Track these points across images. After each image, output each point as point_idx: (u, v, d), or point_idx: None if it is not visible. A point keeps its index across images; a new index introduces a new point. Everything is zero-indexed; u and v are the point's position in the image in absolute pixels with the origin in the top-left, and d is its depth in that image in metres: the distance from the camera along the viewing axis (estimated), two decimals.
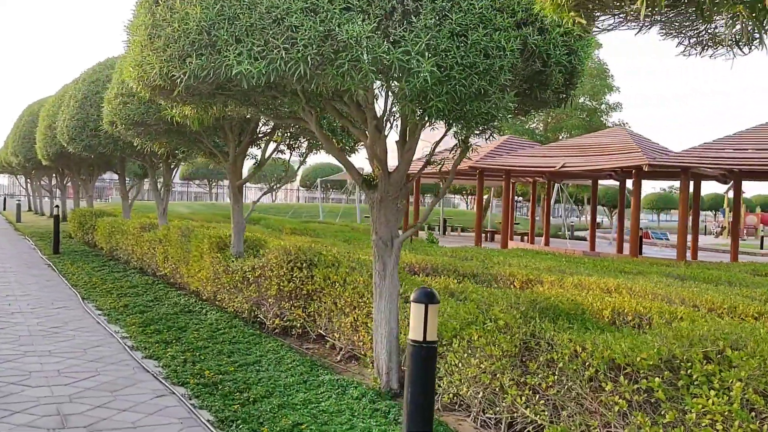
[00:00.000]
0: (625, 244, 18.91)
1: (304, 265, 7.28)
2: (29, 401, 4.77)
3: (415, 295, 3.20)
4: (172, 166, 12.09)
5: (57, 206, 15.51)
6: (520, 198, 47.60)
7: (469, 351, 4.81)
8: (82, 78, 11.56)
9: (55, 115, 14.79)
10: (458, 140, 5.02)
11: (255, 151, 9.47)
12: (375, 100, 4.87)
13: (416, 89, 3.81)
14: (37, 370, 5.61)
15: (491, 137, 4.57)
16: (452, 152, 5.23)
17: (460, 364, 4.87)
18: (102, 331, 7.29)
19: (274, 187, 9.66)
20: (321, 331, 7.01)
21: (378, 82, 4.31)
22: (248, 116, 6.60)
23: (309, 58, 3.74)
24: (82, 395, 4.99)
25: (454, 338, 5.09)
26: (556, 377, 4.02)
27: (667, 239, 32.65)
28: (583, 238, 31.23)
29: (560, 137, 32.46)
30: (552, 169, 14.73)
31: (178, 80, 4.04)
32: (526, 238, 23.77)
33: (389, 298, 5.39)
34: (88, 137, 10.90)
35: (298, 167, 9.12)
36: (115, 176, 44.61)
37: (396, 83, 4.05)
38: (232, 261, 8.59)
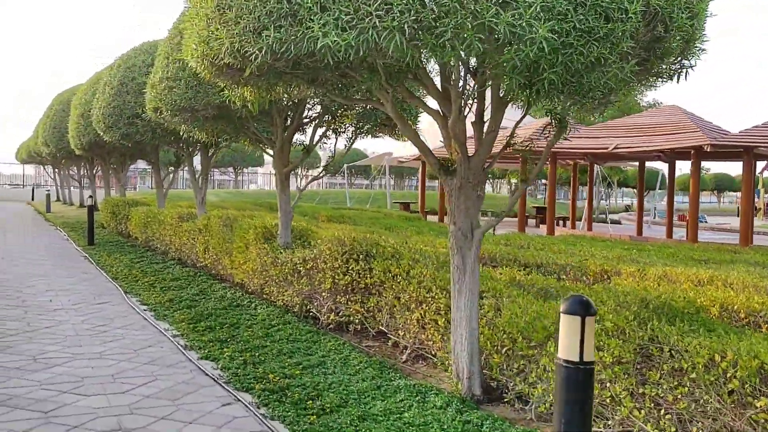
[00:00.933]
0: (655, 227, 18.26)
1: (361, 257, 6.82)
2: (86, 413, 4.38)
3: (567, 305, 2.70)
4: (209, 154, 11.67)
5: (90, 196, 15.22)
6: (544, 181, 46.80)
7: None
8: (118, 64, 11.14)
9: (89, 103, 14.44)
10: (553, 119, 4.50)
11: (298, 136, 9.01)
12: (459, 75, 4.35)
13: (528, 59, 3.29)
14: (90, 375, 5.23)
15: (600, 115, 4.05)
16: (543, 132, 4.72)
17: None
18: (151, 329, 6.91)
19: (320, 174, 9.20)
20: (382, 328, 6.56)
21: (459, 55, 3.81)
22: (308, 97, 6.13)
23: (406, 27, 3.24)
24: (141, 405, 4.58)
25: (547, 340, 4.61)
26: (687, 389, 3.51)
27: (705, 221, 31.76)
28: (617, 222, 30.44)
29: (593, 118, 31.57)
30: (604, 150, 14.08)
31: (252, 57, 3.56)
32: (565, 222, 23.12)
33: (470, 295, 4.91)
34: (125, 125, 10.49)
35: (346, 152, 8.63)
36: (140, 165, 44.54)
37: (499, 53, 3.52)
38: (281, 252, 8.16)
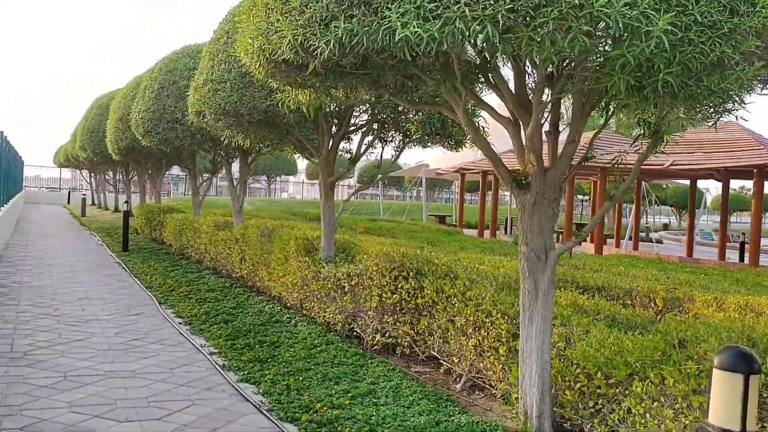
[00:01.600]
0: (699, 248, 17.44)
1: (411, 274, 6.37)
2: None
3: (724, 358, 2.20)
4: (248, 161, 11.34)
5: (126, 202, 15.02)
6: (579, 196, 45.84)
7: (662, 398, 3.79)
8: (158, 67, 10.89)
9: (128, 107, 14.25)
10: (643, 128, 4.01)
11: (343, 144, 8.60)
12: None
13: (643, 55, 2.81)
14: (123, 398, 4.83)
15: (713, 124, 3.54)
16: (632, 145, 4.22)
17: (647, 414, 3.85)
18: (187, 345, 6.52)
19: (366, 185, 8.76)
20: (433, 353, 6.07)
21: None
22: (358, 103, 5.71)
23: (500, 16, 2.78)
24: None
25: (631, 378, 4.09)
26: None
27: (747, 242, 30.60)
28: (660, 241, 29.43)
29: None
30: (660, 167, 13.44)
31: (318, 52, 3.13)
32: (606, 240, 22.39)
33: (542, 323, 4.41)
34: (164, 129, 10.21)
35: (393, 162, 8.19)
36: (173, 172, 44.70)
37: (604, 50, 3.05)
38: (323, 266, 7.73)
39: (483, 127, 4.27)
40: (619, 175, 4.46)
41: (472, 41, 2.86)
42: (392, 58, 3.35)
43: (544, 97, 4.23)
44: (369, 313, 6.83)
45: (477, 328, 5.53)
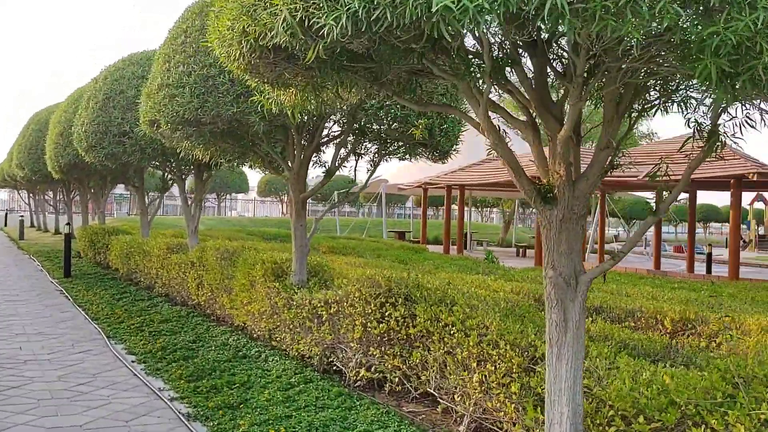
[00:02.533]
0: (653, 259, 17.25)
1: (400, 300, 5.67)
2: None
3: None
4: (204, 177, 10.48)
5: (68, 224, 13.90)
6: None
7: None
8: (103, 76, 9.90)
9: (69, 120, 13.17)
10: (694, 130, 3.44)
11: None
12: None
13: (748, 31, 2.21)
14: None
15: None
16: (680, 149, 3.65)
17: None
18: (143, 389, 5.65)
19: (337, 203, 8.04)
20: (429, 389, 5.37)
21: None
22: (336, 111, 5.03)
23: None
24: None
25: (683, 422, 3.49)
26: None
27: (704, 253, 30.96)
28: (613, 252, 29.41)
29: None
30: (633, 179, 13.10)
31: (325, 31, 2.44)
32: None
33: (573, 361, 3.76)
34: (111, 144, 9.25)
35: (368, 178, 7.51)
36: (117, 190, 42.93)
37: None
38: (295, 292, 6.96)
39: (505, 131, 3.62)
40: (663, 186, 3.89)
41: (531, 12, 2.21)
42: (417, 39, 2.67)
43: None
44: (351, 345, 6.10)
45: (481, 362, 4.87)
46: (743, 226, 58.68)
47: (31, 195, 36.77)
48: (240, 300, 8.07)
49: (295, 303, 6.84)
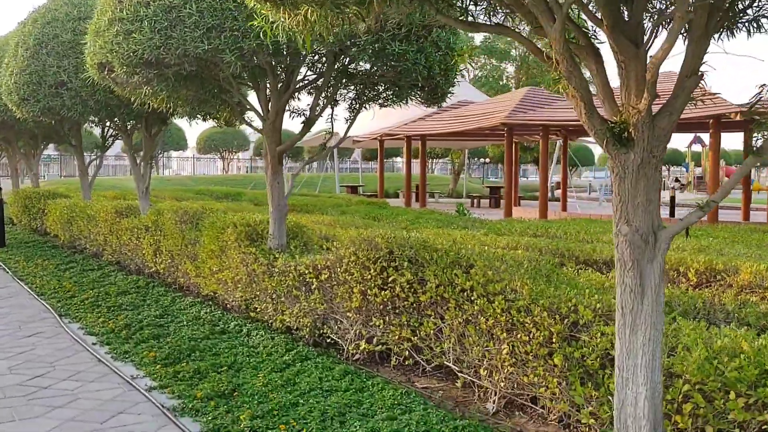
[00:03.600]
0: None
1: (405, 264, 5.01)
2: None
3: None
4: (152, 132, 9.44)
5: (0, 188, 12.58)
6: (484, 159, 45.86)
7: None
8: (32, 19, 8.56)
9: None
10: None
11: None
12: None
13: None
14: None
15: None
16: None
17: None
18: (114, 379, 4.85)
19: (314, 158, 7.25)
20: (447, 363, 4.77)
21: None
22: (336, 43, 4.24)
23: None
24: None
25: None
26: None
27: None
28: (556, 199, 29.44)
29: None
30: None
31: None
32: (519, 202, 21.86)
33: (652, 333, 3.19)
34: (46, 96, 8.07)
35: (348, 128, 6.73)
36: (48, 150, 40.45)
37: None
38: (275, 258, 6.21)
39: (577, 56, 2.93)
40: (763, 120, 3.28)
41: None
42: None
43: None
44: (348, 315, 5.43)
45: (511, 331, 4.29)
46: (681, 168, 60.27)
47: None
48: (208, 267, 7.26)
49: (277, 270, 6.10)
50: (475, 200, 25.65)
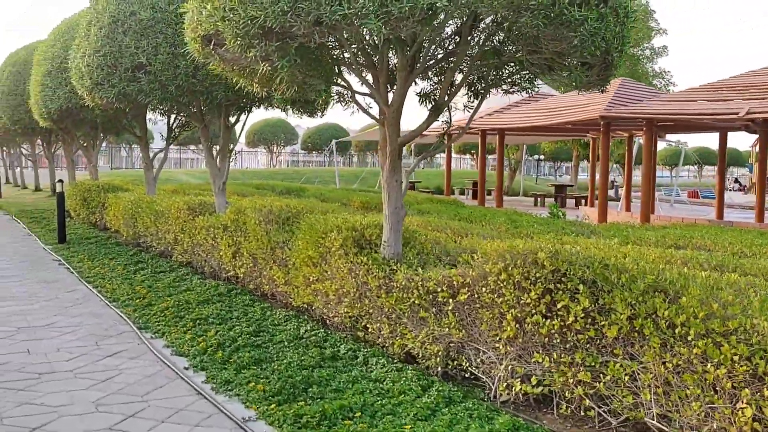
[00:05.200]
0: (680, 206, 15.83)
1: (582, 286, 3.98)
2: None
3: None
4: (232, 123, 8.57)
5: (60, 180, 11.91)
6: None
7: None
8: None
9: (59, 56, 11.09)
10: None
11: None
12: None
13: None
14: None
15: None
16: None
17: None
18: (222, 421, 3.93)
19: (434, 149, 6.26)
20: (649, 419, 3.73)
21: None
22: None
23: None
24: None
25: None
26: None
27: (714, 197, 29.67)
28: (617, 199, 27.86)
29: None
30: (734, 116, 11.35)
31: None
32: (583, 202, 20.55)
33: None
34: (122, 80, 7.23)
35: (471, 117, 5.70)
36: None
37: None
38: (393, 270, 5.25)
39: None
40: None
41: None
42: None
43: None
44: (496, 346, 4.43)
45: (753, 385, 3.23)
46: (745, 170, 57.64)
47: (4, 148, 34.25)
48: (302, 276, 6.34)
49: (397, 285, 5.13)
50: (539, 199, 24.41)
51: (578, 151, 33.22)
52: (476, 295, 4.55)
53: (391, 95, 5.33)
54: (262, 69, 4.25)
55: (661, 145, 26.49)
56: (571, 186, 29.25)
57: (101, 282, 8.04)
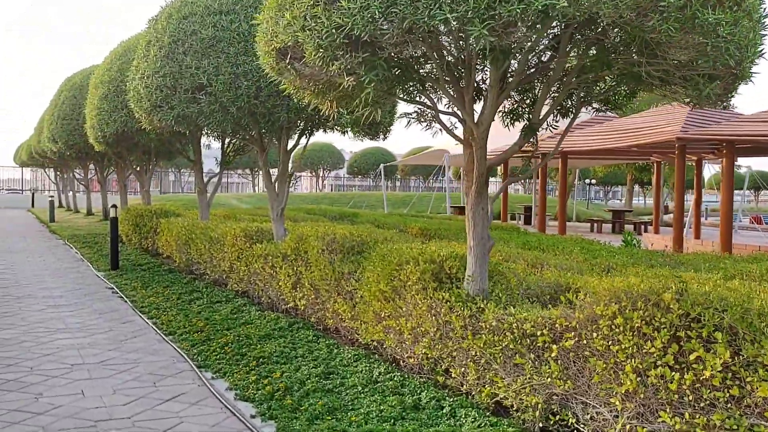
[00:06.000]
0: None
1: (719, 333, 3.36)
2: None
3: None
4: (292, 146, 8.18)
5: (114, 206, 11.70)
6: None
7: None
8: (166, 14, 7.37)
9: (115, 80, 10.95)
10: None
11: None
12: None
13: None
14: None
15: None
16: None
17: None
18: None
19: (521, 176, 5.71)
20: None
21: None
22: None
23: None
24: None
25: None
26: None
27: None
28: (669, 224, 26.56)
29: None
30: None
31: None
32: (645, 228, 19.59)
33: None
34: (181, 102, 6.89)
35: (562, 137, 5.13)
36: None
37: None
38: (480, 308, 4.69)
39: None
40: None
41: None
42: None
43: None
44: (611, 401, 3.82)
45: None
46: None
47: (58, 173, 34.91)
48: (372, 311, 5.83)
49: (485, 326, 4.56)
50: (596, 224, 23.50)
51: (633, 174, 32.10)
52: (585, 341, 3.97)
53: (475, 114, 4.84)
54: (346, 83, 3.78)
55: (713, 169, 25.31)
56: (630, 211, 28.18)
57: (156, 313, 7.66)
